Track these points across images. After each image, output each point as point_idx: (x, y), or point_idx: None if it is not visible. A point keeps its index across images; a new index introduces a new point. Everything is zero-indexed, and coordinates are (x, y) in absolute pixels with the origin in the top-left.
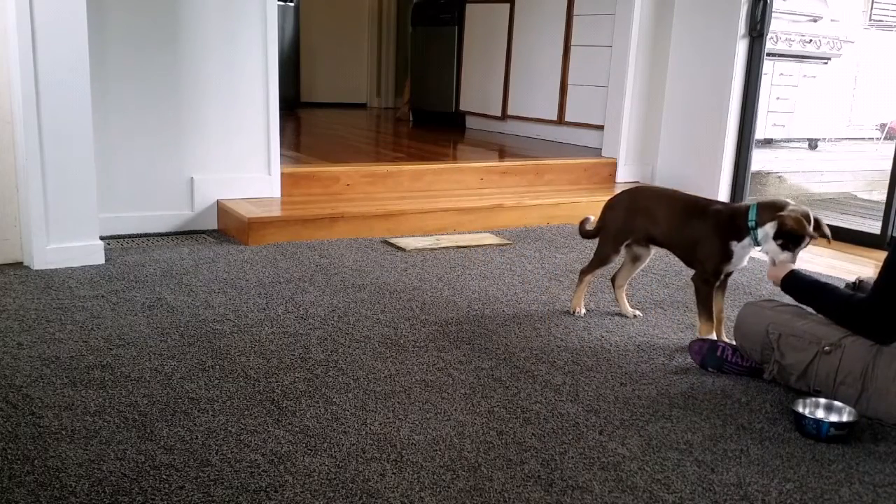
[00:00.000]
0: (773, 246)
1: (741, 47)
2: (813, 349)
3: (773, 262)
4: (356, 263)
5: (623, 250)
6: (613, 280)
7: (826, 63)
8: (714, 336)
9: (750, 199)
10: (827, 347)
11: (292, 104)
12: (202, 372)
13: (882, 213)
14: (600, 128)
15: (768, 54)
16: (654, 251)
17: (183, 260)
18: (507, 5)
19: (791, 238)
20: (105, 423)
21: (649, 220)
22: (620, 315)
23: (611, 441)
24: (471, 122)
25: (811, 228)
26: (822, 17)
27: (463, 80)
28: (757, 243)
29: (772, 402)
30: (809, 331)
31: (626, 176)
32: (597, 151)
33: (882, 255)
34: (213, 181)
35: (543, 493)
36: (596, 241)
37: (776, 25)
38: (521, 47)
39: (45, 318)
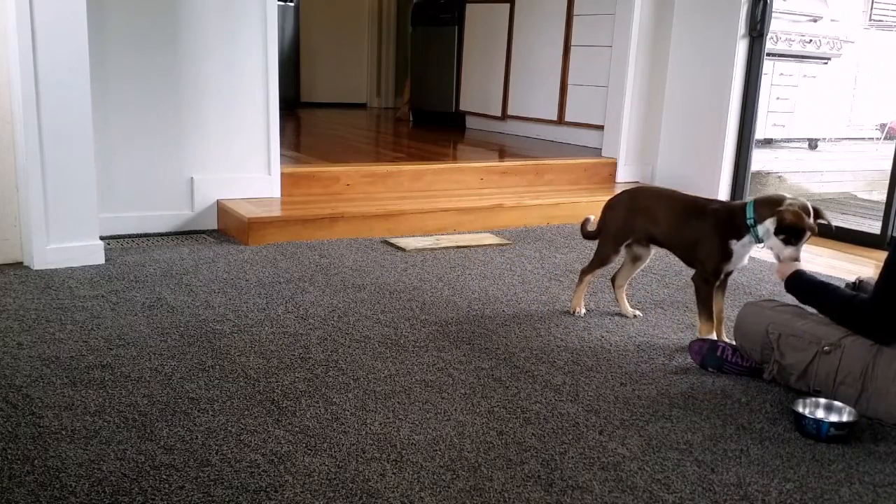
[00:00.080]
0: (775, 241)
1: (741, 47)
2: (813, 349)
3: (779, 259)
4: (356, 263)
5: (623, 250)
6: (613, 280)
7: (826, 63)
8: (714, 336)
9: (748, 197)
10: (827, 347)
11: (292, 104)
12: (202, 372)
13: (882, 213)
14: (600, 128)
15: (768, 54)
16: (654, 251)
17: (183, 260)
18: (507, 5)
19: (792, 232)
20: (105, 423)
21: (649, 220)
22: (620, 315)
23: (611, 441)
24: (471, 122)
25: (811, 220)
26: (822, 17)
27: (463, 80)
28: (758, 241)
29: (772, 402)
30: (809, 331)
31: (626, 176)
32: (597, 151)
33: (882, 255)
34: (213, 181)
35: (543, 493)
36: (597, 241)
37: (776, 25)
38: (521, 47)
39: (45, 318)
